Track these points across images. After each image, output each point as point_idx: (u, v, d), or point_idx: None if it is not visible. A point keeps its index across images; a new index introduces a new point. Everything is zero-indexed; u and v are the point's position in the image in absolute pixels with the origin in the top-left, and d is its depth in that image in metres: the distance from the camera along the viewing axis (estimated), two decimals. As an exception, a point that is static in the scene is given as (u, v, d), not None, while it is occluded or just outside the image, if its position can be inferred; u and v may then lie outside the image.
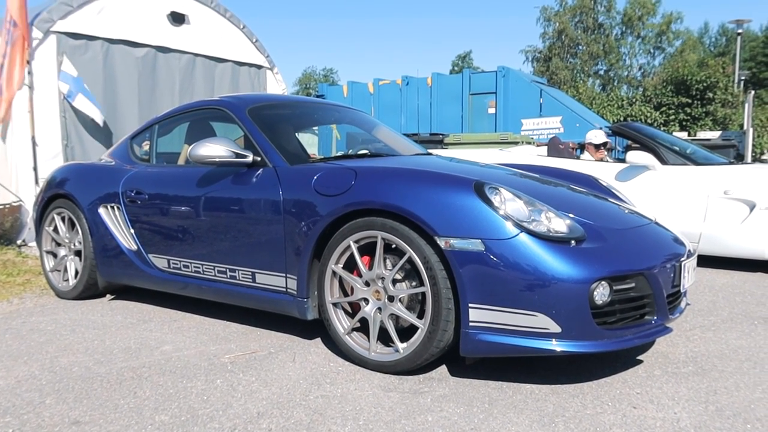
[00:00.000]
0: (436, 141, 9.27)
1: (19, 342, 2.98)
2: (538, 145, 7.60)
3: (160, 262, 3.36)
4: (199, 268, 3.14)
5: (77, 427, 2.01)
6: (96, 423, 2.05)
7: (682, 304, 2.64)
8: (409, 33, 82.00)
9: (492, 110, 12.08)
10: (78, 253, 3.83)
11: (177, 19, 7.08)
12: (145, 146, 3.87)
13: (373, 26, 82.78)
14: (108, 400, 2.24)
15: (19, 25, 5.55)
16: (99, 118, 6.09)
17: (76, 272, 3.83)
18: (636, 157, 5.01)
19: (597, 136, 5.98)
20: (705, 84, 21.27)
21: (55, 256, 3.99)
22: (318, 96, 14.40)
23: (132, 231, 3.47)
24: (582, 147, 6.25)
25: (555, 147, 5.92)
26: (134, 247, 3.48)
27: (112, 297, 3.93)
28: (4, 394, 2.31)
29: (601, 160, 5.86)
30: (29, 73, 5.70)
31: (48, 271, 3.99)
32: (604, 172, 5.13)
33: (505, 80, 11.95)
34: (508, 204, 2.26)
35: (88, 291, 3.80)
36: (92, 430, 2.00)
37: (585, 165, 5.31)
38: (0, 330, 3.20)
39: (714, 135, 15.51)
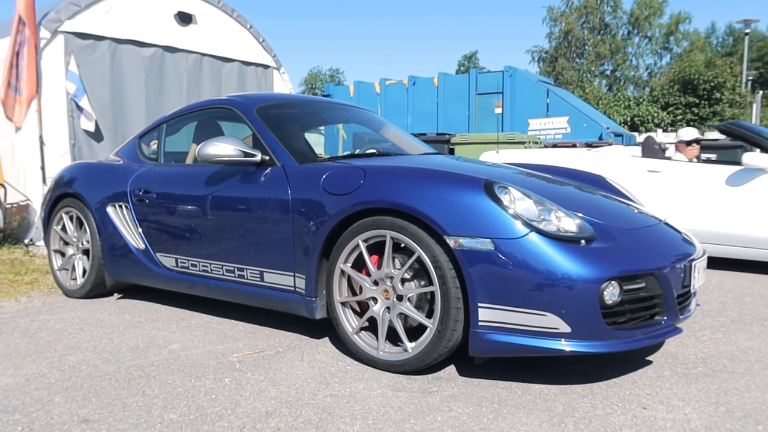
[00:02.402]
0: (443, 141, 9.25)
1: (27, 340, 2.99)
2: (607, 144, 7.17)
3: (168, 261, 3.36)
4: (207, 267, 3.15)
5: (86, 426, 2.02)
6: (105, 421, 2.05)
7: (692, 305, 2.63)
8: (415, 33, 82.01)
9: (499, 110, 12.05)
10: (86, 252, 3.84)
11: (184, 19, 7.11)
12: (153, 145, 3.87)
13: (379, 26, 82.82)
14: (117, 399, 2.24)
15: (27, 24, 5.58)
16: (89, 124, 6.11)
17: (84, 271, 3.84)
18: (753, 159, 4.52)
19: (688, 133, 5.62)
20: (712, 84, 21.22)
21: (63, 255, 4.00)
22: (324, 96, 14.41)
23: (140, 230, 3.48)
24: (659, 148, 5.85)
25: (650, 147, 5.58)
26: (142, 246, 3.48)
27: (120, 296, 3.94)
28: (14, 392, 2.32)
29: (694, 159, 5.48)
30: (37, 73, 5.73)
31: (56, 269, 4.01)
32: (712, 175, 4.73)
33: (511, 80, 11.92)
34: (518, 203, 2.25)
35: (96, 290, 3.81)
36: (101, 428, 2.00)
37: (683, 167, 4.91)
38: (8, 328, 3.21)
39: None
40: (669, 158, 5.37)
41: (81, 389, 2.34)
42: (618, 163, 5.13)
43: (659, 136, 16.75)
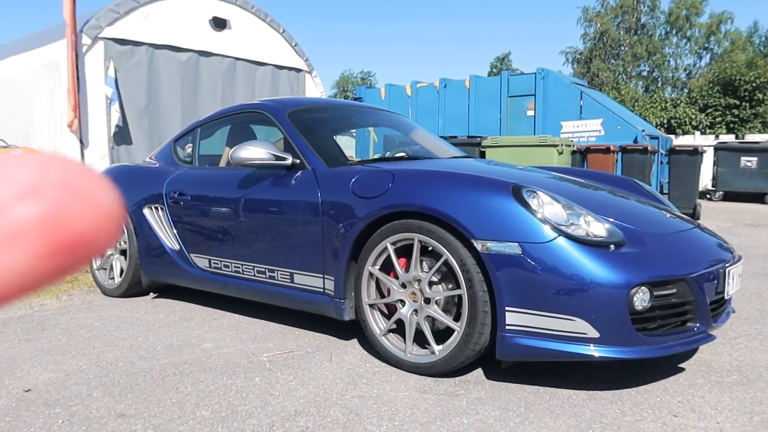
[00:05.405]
0: (474, 144, 9.20)
1: (67, 337, 3.10)
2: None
3: (201, 261, 3.44)
4: (239, 268, 3.21)
5: (123, 420, 2.09)
6: (140, 416, 2.12)
7: (726, 312, 2.57)
8: (446, 35, 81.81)
9: (531, 113, 11.92)
10: (123, 253, 3.95)
11: (219, 24, 7.25)
12: (188, 149, 3.97)
13: (411, 28, 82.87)
14: (151, 395, 2.31)
15: (70, 30, 5.78)
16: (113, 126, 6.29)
17: (122, 271, 3.95)
18: None
19: None
20: (754, 85, 20.61)
21: (101, 255, 4.12)
22: (356, 99, 14.47)
23: (175, 231, 3.57)
24: None
25: None
26: (177, 246, 3.57)
27: (155, 295, 4.05)
28: (55, 386, 2.41)
29: None
30: (78, 77, 5.92)
31: (95, 269, 4.14)
32: None
33: (544, 82, 11.79)
34: (546, 207, 2.25)
35: (133, 289, 3.92)
36: (137, 423, 2.07)
37: None
38: (50, 325, 3.33)
39: (763, 138, 15.01)
40: None
41: (118, 385, 2.41)
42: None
43: (697, 138, 16.36)
